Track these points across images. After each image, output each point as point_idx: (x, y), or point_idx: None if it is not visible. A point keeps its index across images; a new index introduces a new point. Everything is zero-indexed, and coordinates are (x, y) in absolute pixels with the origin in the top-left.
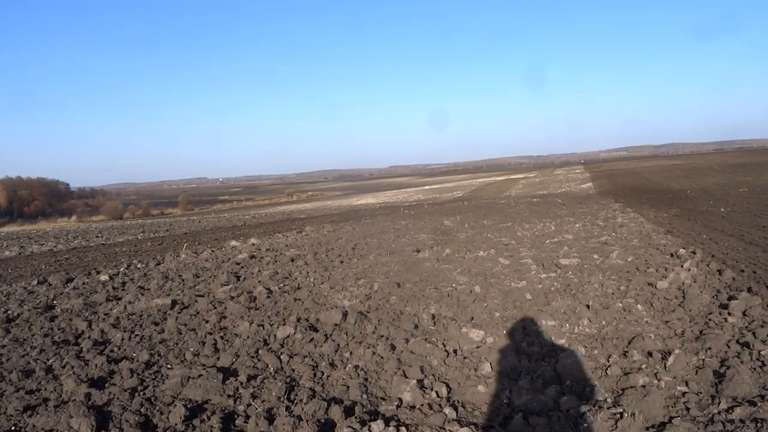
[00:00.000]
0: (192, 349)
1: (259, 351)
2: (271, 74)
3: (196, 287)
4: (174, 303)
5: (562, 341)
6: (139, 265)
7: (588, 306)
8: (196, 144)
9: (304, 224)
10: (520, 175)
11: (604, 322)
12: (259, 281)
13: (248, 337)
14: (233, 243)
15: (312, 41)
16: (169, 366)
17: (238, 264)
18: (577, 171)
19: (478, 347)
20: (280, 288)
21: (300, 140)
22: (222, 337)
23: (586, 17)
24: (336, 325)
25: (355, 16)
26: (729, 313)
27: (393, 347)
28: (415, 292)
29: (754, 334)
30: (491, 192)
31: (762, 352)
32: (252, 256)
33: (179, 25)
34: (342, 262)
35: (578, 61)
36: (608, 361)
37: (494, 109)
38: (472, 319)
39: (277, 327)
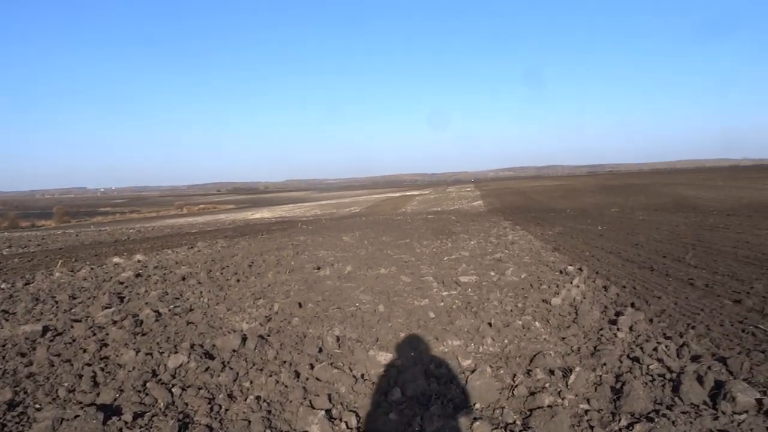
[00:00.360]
0: (66, 384)
1: (147, 384)
2: (158, 77)
3: (73, 311)
4: (45, 329)
5: (468, 362)
6: (3, 286)
7: (490, 324)
8: (75, 151)
9: (196, 239)
10: (415, 192)
11: (506, 341)
12: (147, 303)
13: (134, 367)
14: (116, 260)
15: (189, 45)
16: (37, 406)
17: (121, 283)
18: (468, 189)
19: (386, 371)
20: (170, 310)
21: (191, 150)
22: (103, 369)
23: (481, 58)
24: (234, 350)
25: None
26: (618, 329)
27: (297, 374)
28: (317, 313)
29: (641, 348)
30: (388, 208)
31: (650, 367)
32: (138, 275)
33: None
34: (238, 280)
35: (471, 89)
36: (514, 381)
37: (391, 127)
38: (378, 340)
39: (168, 355)
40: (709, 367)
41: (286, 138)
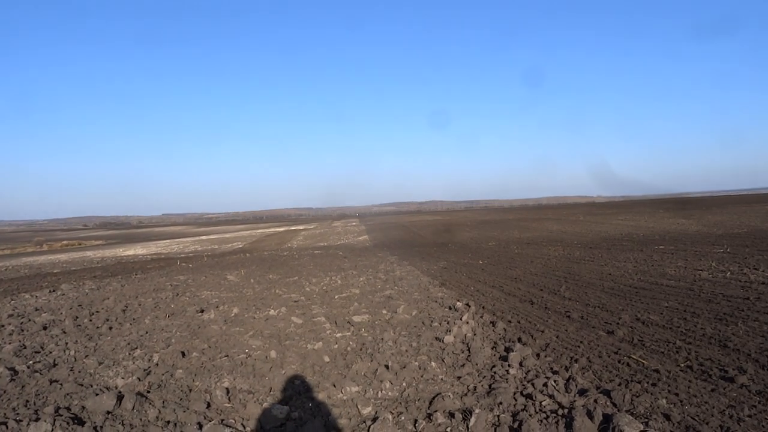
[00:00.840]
0: None
1: None
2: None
3: None
4: None
5: (368, 409)
6: None
7: (387, 366)
8: None
9: (59, 281)
10: (301, 227)
11: (404, 383)
12: (0, 359)
13: None
14: None
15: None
16: None
17: None
18: (353, 223)
19: (282, 426)
20: (29, 367)
21: (51, 180)
22: None
23: (386, 80)
24: (108, 412)
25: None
26: (509, 365)
27: None
28: (204, 362)
29: (533, 384)
30: (273, 243)
31: (543, 403)
32: None
33: None
34: (111, 328)
35: (355, 123)
36: (416, 427)
37: (275, 161)
38: (272, 390)
39: (28, 423)
40: (595, 401)
41: (161, 169)
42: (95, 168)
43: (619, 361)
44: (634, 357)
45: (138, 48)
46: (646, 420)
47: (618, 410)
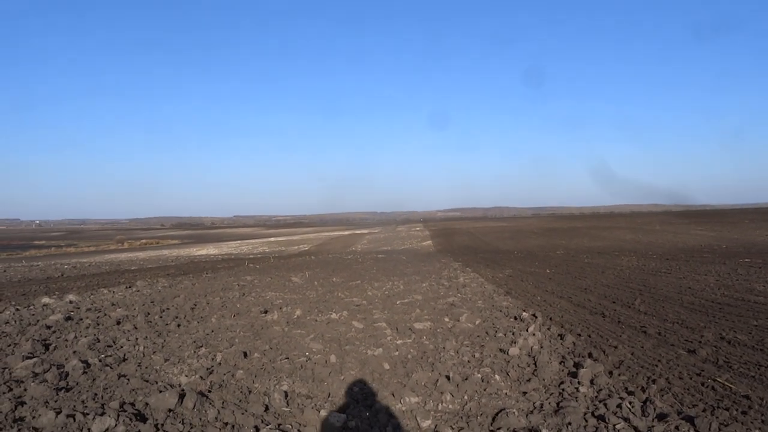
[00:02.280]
0: None
1: None
2: (95, 101)
3: None
4: None
5: (428, 422)
6: None
7: (448, 377)
8: (6, 180)
9: (136, 277)
10: (365, 231)
11: (466, 397)
12: (75, 351)
13: None
14: (45, 300)
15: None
16: None
17: (48, 328)
18: (418, 228)
19: None
20: (101, 360)
21: (134, 182)
22: None
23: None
24: (170, 410)
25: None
26: (579, 383)
27: None
28: (264, 364)
29: (605, 405)
30: (338, 246)
31: (617, 427)
32: (68, 318)
33: None
34: (179, 325)
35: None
36: None
37: (342, 165)
38: (330, 396)
39: (93, 417)
40: (677, 428)
41: (234, 172)
42: (174, 170)
43: (702, 384)
44: (720, 380)
45: (223, 51)
46: None
47: None
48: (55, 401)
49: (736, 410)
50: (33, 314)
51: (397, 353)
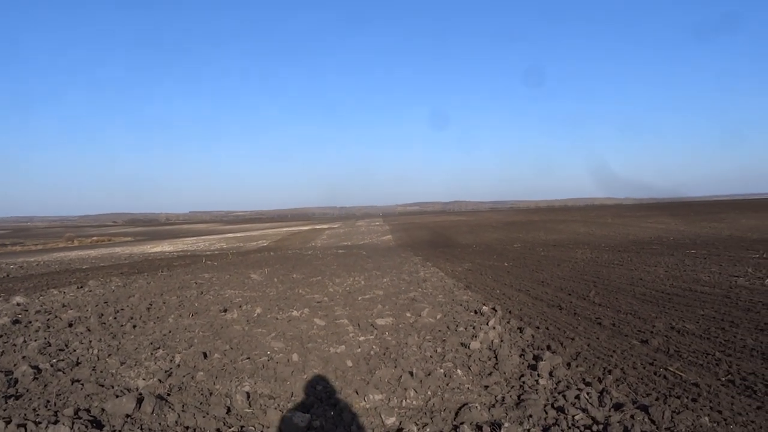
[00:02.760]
0: None
1: None
2: (49, 87)
3: None
4: None
5: (392, 419)
6: None
7: (411, 373)
8: None
9: (87, 277)
10: (325, 225)
11: (429, 392)
12: (24, 356)
13: None
14: None
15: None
16: None
17: None
18: (377, 223)
19: None
20: (52, 365)
21: (83, 178)
22: None
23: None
24: (128, 416)
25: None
26: (539, 375)
27: None
28: (225, 365)
29: (564, 396)
30: (297, 242)
31: (576, 417)
32: (16, 321)
33: None
34: (135, 326)
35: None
36: None
37: (302, 160)
38: (293, 395)
39: (46, 426)
40: (632, 416)
41: (190, 167)
42: (125, 165)
43: (655, 373)
44: (671, 369)
45: (146, 47)
46: None
47: (657, 428)
48: (4, 410)
49: (687, 398)
50: None
51: (359, 350)
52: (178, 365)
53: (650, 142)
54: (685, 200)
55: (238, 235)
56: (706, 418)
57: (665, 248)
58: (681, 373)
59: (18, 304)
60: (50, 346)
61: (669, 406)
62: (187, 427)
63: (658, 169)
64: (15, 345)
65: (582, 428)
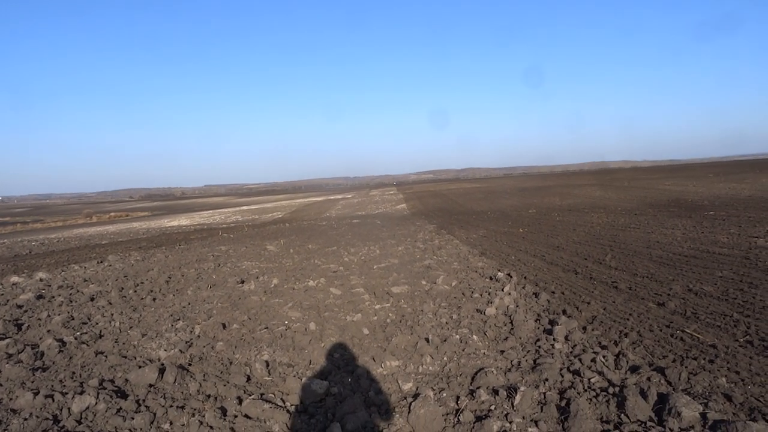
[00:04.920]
0: None
1: None
2: (64, 73)
3: None
4: None
5: (409, 385)
6: None
7: (427, 340)
8: None
9: (107, 252)
10: (339, 196)
11: (445, 358)
12: (49, 330)
13: (31, 414)
14: (14, 278)
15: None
16: None
17: (19, 307)
18: (391, 192)
19: (322, 401)
20: (76, 338)
21: (100, 154)
22: None
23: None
24: (151, 385)
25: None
26: (555, 339)
27: (224, 411)
28: (244, 335)
29: (580, 360)
30: (312, 213)
31: (592, 380)
32: (39, 296)
33: None
34: (155, 299)
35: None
36: (458, 405)
37: (314, 131)
38: (311, 363)
39: (72, 396)
40: (648, 378)
41: (203, 141)
42: (140, 140)
43: (672, 336)
44: (688, 331)
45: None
46: (706, 401)
47: (674, 389)
48: (32, 382)
49: (704, 359)
50: (2, 294)
51: (375, 318)
52: (198, 336)
53: (670, 100)
54: (703, 161)
55: (253, 207)
56: (724, 379)
57: (683, 210)
58: (698, 335)
59: (41, 280)
60: (73, 319)
61: (686, 367)
62: (209, 396)
63: (676, 129)
64: (40, 319)
65: (598, 391)
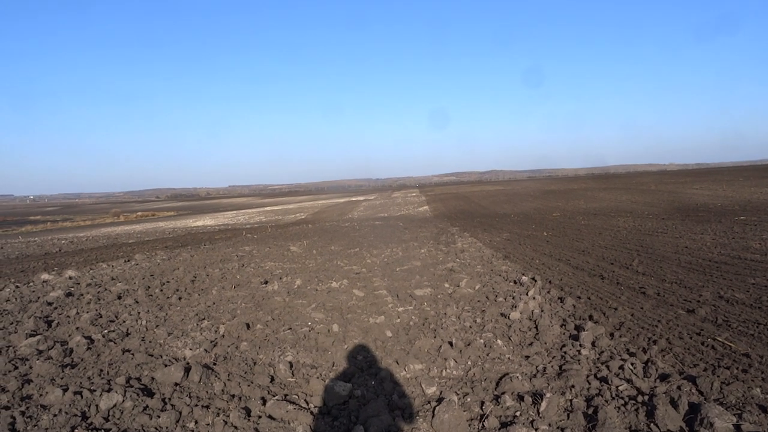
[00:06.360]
0: None
1: (76, 431)
2: (86, 77)
3: None
4: None
5: (433, 389)
6: None
7: (451, 344)
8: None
9: (134, 251)
10: (361, 197)
11: (469, 362)
12: (78, 327)
13: (61, 410)
14: (45, 276)
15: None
16: None
17: (50, 305)
18: (413, 194)
19: (345, 403)
20: (104, 336)
21: (127, 155)
22: (24, 413)
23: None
24: (176, 384)
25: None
26: (581, 345)
27: (248, 412)
28: (267, 335)
29: (608, 367)
30: (334, 214)
31: (620, 388)
32: (69, 294)
33: None
34: (180, 298)
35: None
36: (483, 410)
37: (339, 133)
38: (334, 365)
39: (101, 393)
40: (679, 387)
41: (228, 143)
42: (167, 142)
43: (702, 344)
44: (720, 339)
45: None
46: (739, 412)
47: (705, 399)
48: (62, 378)
49: (737, 368)
50: (33, 291)
51: (398, 320)
52: (223, 336)
53: (697, 101)
54: (733, 165)
55: (276, 208)
56: (758, 390)
57: (712, 215)
58: (730, 344)
59: (70, 278)
60: (101, 317)
61: (718, 377)
62: (233, 395)
63: (706, 130)
64: (69, 317)
65: (627, 399)
